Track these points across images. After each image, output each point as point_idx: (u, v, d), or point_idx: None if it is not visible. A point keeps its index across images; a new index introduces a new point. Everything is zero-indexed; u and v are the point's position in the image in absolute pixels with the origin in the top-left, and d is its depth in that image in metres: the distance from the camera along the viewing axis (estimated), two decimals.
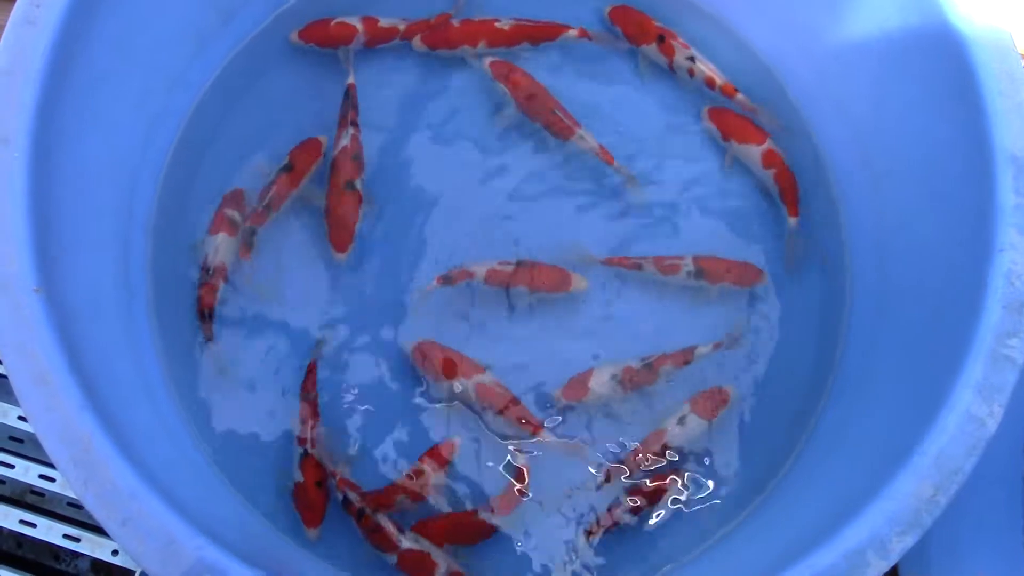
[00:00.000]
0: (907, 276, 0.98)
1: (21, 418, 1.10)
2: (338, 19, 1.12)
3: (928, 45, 0.93)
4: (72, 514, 1.12)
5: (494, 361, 1.04)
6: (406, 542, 0.94)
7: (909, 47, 0.96)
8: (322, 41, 1.12)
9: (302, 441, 0.98)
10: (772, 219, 1.13)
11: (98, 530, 1.09)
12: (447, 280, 1.05)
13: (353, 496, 0.95)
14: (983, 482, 0.80)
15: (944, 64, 0.91)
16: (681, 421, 1.02)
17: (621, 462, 1.02)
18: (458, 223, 1.10)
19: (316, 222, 1.08)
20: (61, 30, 0.83)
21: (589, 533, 0.99)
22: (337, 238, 1.05)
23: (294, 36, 1.12)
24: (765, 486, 1.01)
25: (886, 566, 0.75)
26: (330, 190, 1.06)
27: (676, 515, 1.01)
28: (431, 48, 1.14)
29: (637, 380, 1.03)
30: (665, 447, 1.02)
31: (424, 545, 0.94)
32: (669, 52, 1.15)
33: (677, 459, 1.02)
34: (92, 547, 1.07)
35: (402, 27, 1.14)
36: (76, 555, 1.09)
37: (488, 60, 1.12)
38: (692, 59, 1.14)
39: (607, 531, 0.99)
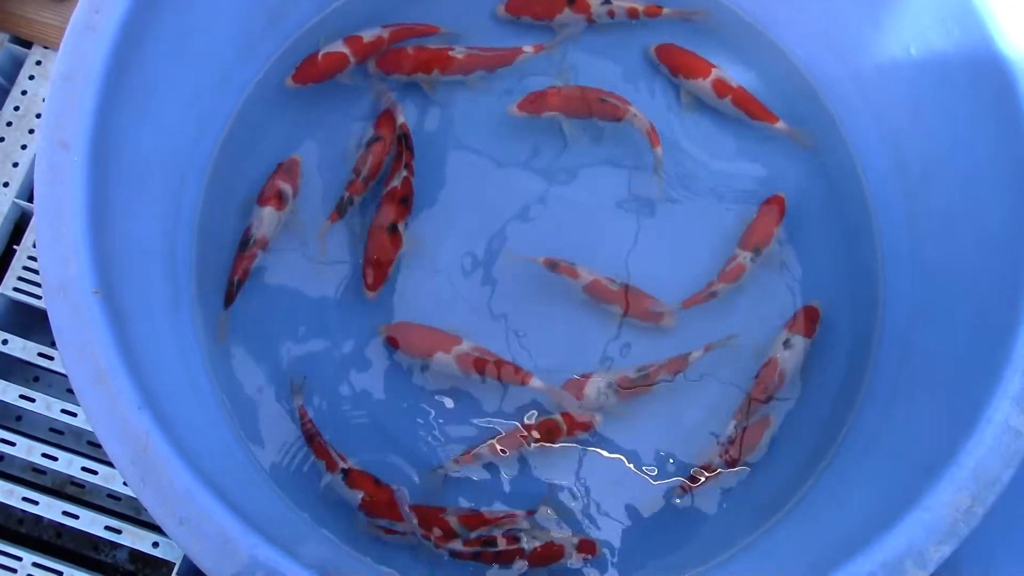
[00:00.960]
0: (942, 288, 0.99)
1: (64, 411, 1.12)
2: (324, 50, 1.10)
3: (967, 59, 0.94)
4: (112, 505, 1.14)
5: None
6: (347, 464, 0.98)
7: (949, 60, 0.97)
8: (318, 78, 1.11)
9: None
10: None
11: (139, 522, 1.12)
12: (552, 266, 1.07)
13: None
14: (1014, 492, 0.81)
15: (983, 78, 0.92)
16: (787, 344, 1.05)
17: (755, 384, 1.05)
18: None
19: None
20: (120, 35, 0.84)
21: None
22: (370, 276, 1.06)
23: (289, 82, 1.10)
24: (794, 494, 1.02)
25: (924, 575, 0.77)
26: (372, 228, 1.07)
27: (709, 517, 1.02)
28: (385, 73, 1.14)
29: (632, 388, 1.04)
30: (782, 374, 1.04)
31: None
32: (584, 9, 1.16)
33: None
34: (133, 539, 1.09)
35: (386, 35, 1.13)
36: (115, 546, 1.12)
37: (514, 107, 1.11)
38: (607, 1, 1.16)
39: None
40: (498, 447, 1.02)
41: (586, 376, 1.05)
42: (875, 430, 1.00)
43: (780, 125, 1.14)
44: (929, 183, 1.04)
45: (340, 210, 1.08)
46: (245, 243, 1.05)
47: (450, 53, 1.14)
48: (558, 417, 1.03)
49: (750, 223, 1.10)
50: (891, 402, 1.00)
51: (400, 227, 1.07)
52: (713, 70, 1.14)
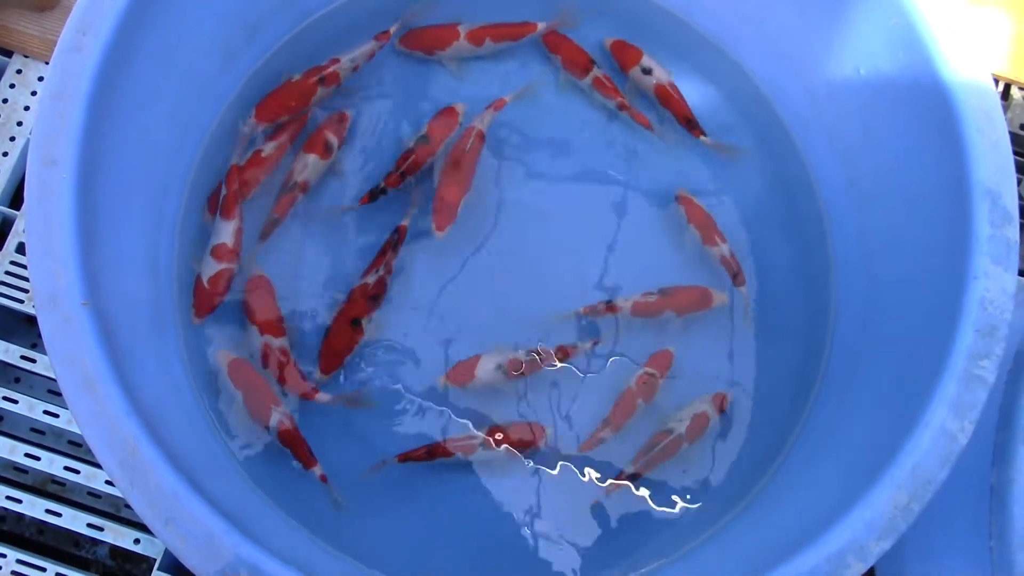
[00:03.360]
0: (889, 296, 1.04)
1: (46, 412, 1.15)
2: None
3: (913, 81, 0.99)
4: (93, 503, 1.17)
5: None
6: None
7: (896, 82, 1.02)
8: (280, 115, 1.14)
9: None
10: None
11: (120, 519, 1.15)
12: (593, 311, 1.12)
13: None
14: (954, 490, 0.86)
15: (928, 100, 0.97)
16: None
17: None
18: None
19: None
20: (106, 55, 0.87)
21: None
22: (324, 363, 1.08)
23: (251, 122, 1.12)
24: (750, 491, 1.07)
25: (864, 567, 0.81)
26: (336, 317, 1.09)
27: (661, 516, 1.07)
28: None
29: (522, 370, 1.08)
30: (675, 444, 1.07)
31: None
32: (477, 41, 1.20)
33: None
34: (115, 536, 1.12)
35: (332, 68, 1.15)
36: (96, 542, 1.15)
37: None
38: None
39: None
40: (449, 448, 1.06)
41: (476, 357, 1.08)
42: (824, 432, 1.05)
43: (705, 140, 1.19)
44: (879, 198, 1.09)
45: (372, 196, 1.12)
46: (286, 185, 1.11)
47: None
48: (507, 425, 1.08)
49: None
50: (839, 406, 1.05)
51: (364, 321, 1.08)
52: (642, 56, 1.21)
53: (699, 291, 1.13)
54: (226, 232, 1.07)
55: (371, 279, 1.09)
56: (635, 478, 1.07)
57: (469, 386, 1.08)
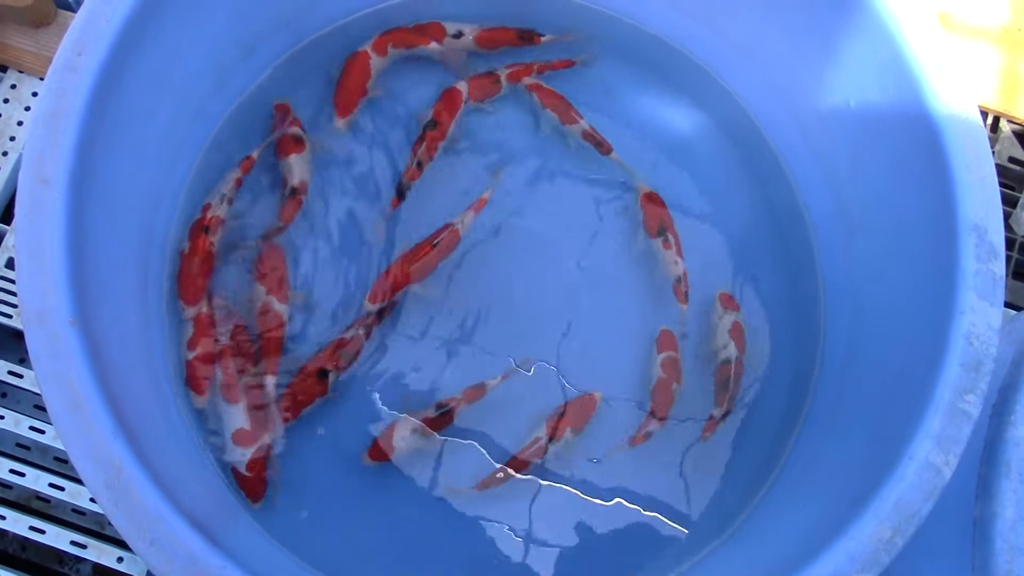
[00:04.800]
0: (876, 328, 1.05)
1: (32, 428, 1.15)
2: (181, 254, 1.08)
3: (902, 115, 1.00)
4: (77, 520, 1.16)
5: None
6: None
7: (885, 114, 1.03)
8: (200, 294, 1.09)
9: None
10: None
11: (104, 537, 1.14)
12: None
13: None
14: (937, 522, 0.87)
15: (916, 134, 0.97)
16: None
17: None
18: None
19: None
20: (101, 75, 0.87)
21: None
22: (286, 410, 1.06)
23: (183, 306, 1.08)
24: (733, 521, 1.07)
25: None
26: (304, 367, 1.06)
27: (644, 546, 1.07)
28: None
29: (436, 425, 1.06)
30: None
31: None
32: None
33: None
34: (99, 554, 1.12)
35: (209, 214, 1.10)
36: (79, 560, 1.14)
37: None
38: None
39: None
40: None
41: (392, 426, 1.06)
42: (810, 462, 1.05)
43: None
44: (866, 227, 1.09)
45: (400, 194, 1.13)
46: (285, 193, 1.12)
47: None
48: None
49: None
50: (825, 436, 1.06)
51: (330, 376, 1.06)
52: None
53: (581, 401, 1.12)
54: (239, 416, 1.04)
55: (348, 335, 1.08)
56: (726, 415, 1.09)
57: (394, 458, 1.05)
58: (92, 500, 1.13)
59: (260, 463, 1.03)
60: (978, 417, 0.86)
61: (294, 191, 1.12)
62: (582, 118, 1.19)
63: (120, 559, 1.12)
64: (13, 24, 1.21)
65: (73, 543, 1.12)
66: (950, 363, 0.88)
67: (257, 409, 1.05)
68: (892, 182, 1.04)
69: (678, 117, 1.23)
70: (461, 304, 1.14)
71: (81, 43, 0.87)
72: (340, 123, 1.16)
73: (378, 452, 1.05)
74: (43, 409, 1.18)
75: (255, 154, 1.12)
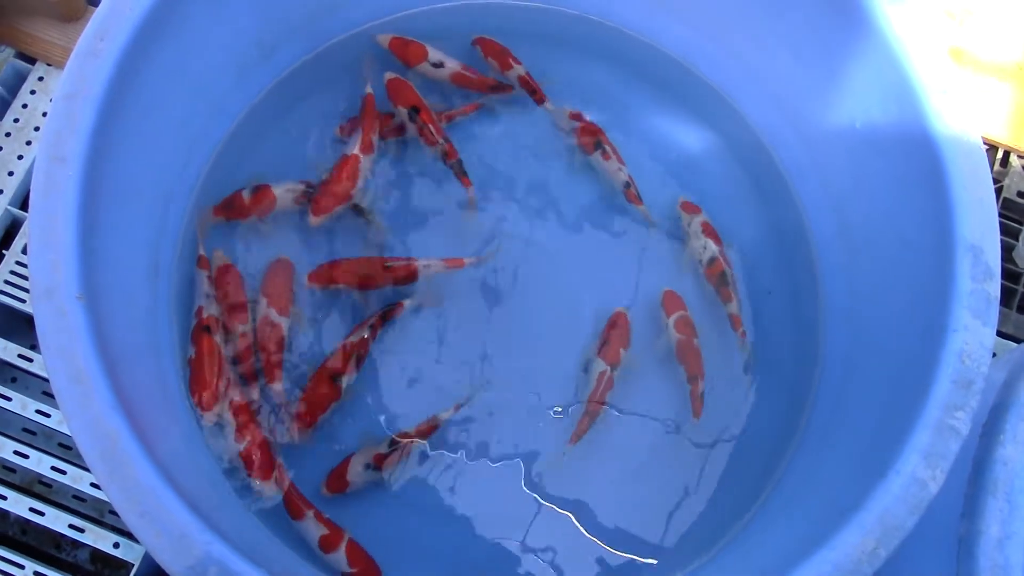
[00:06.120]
0: (872, 344, 1.05)
1: (39, 412, 1.17)
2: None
3: (904, 135, 1.01)
4: (77, 506, 1.18)
5: None
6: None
7: (888, 135, 1.04)
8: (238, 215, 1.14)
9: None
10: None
11: (102, 522, 1.16)
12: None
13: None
14: (923, 540, 0.87)
15: (917, 154, 0.98)
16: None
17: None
18: None
19: None
20: (121, 61, 0.90)
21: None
22: (299, 417, 1.07)
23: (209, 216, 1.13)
24: (731, 528, 1.07)
25: None
26: (317, 372, 1.08)
27: (634, 560, 1.07)
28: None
29: (390, 460, 1.06)
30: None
31: None
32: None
33: None
34: (95, 538, 1.13)
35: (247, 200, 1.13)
36: (77, 545, 1.15)
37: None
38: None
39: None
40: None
41: (345, 462, 1.06)
42: (805, 474, 1.06)
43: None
44: (868, 247, 1.10)
45: (463, 173, 1.16)
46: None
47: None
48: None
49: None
50: (820, 449, 1.06)
51: (343, 380, 1.07)
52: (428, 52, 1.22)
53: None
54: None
55: (355, 338, 1.09)
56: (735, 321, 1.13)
57: (349, 491, 1.06)
58: (93, 485, 1.15)
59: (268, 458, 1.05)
60: (967, 435, 0.87)
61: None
62: (519, 63, 1.22)
63: (116, 544, 1.13)
64: (44, 17, 1.25)
65: (71, 527, 1.13)
66: (941, 380, 0.88)
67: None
68: (893, 201, 1.05)
69: (690, 136, 1.25)
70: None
71: (104, 29, 0.90)
72: (314, 221, 1.13)
73: (334, 485, 1.05)
74: (51, 395, 1.20)
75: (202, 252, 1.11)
